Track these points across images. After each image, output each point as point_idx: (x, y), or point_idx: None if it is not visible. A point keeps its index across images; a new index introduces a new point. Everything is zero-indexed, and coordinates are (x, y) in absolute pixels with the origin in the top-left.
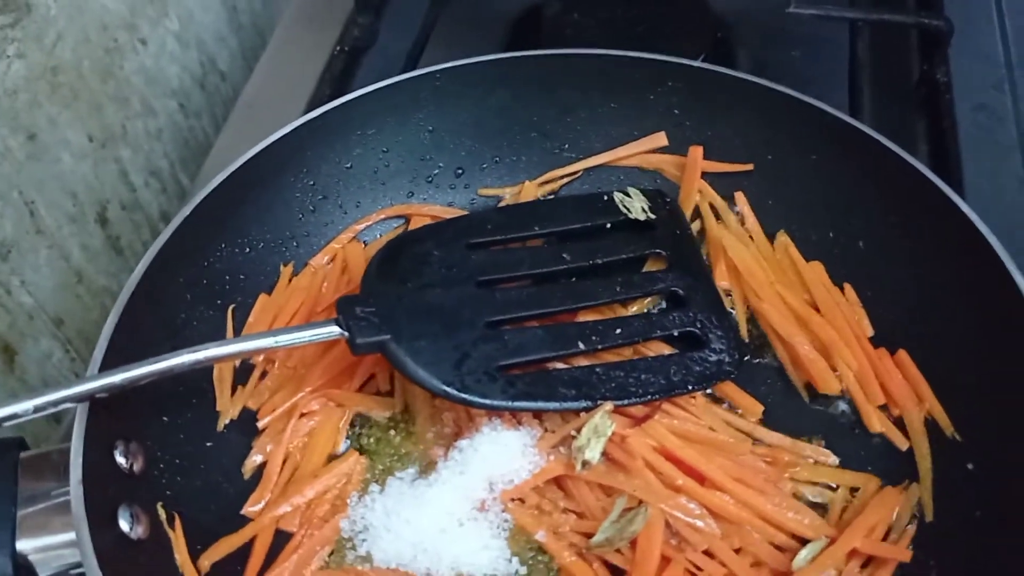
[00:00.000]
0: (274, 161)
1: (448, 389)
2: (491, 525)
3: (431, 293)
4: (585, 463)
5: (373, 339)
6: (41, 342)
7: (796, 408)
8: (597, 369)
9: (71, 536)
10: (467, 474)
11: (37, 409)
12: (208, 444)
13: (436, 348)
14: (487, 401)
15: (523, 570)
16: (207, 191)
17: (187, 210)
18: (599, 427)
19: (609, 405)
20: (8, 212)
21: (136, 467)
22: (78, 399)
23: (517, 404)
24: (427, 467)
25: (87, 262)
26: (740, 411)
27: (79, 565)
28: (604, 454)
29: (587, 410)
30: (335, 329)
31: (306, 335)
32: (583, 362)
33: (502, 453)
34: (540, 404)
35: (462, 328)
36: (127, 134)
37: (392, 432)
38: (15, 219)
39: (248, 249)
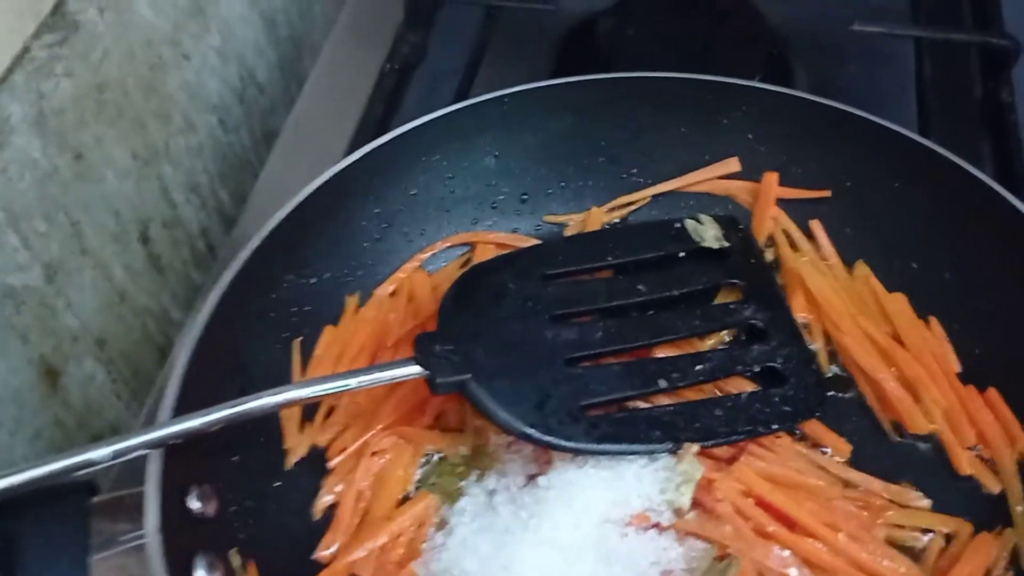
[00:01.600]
0: (341, 189)
1: (532, 432)
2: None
3: (508, 328)
4: (676, 510)
5: (454, 379)
6: (85, 364)
7: (882, 447)
8: (680, 408)
9: None
10: (552, 514)
11: (117, 455)
12: (277, 484)
13: (517, 387)
14: (572, 444)
15: None
16: (276, 221)
17: (256, 242)
18: (688, 471)
19: (695, 447)
20: (55, 233)
21: (209, 511)
22: (154, 445)
23: (603, 447)
24: (506, 505)
25: (129, 281)
26: (827, 451)
27: None
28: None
29: (672, 452)
30: (415, 369)
31: (386, 375)
32: (664, 400)
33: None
34: (625, 447)
35: (542, 365)
36: (169, 151)
37: (462, 469)
38: (61, 240)
39: (314, 280)
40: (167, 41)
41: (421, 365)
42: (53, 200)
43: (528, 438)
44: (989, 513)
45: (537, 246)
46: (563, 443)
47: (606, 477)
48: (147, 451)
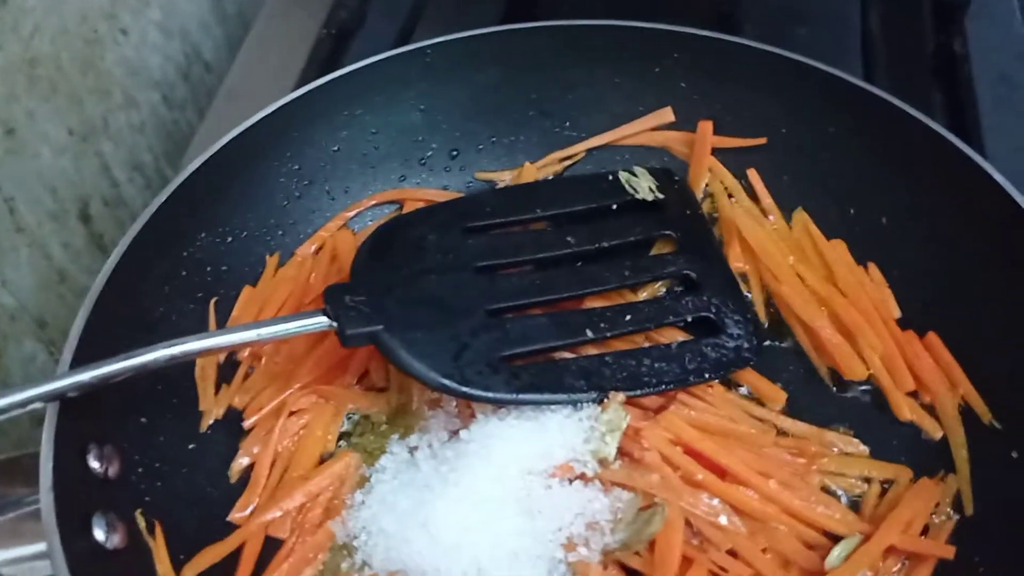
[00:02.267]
0: (256, 144)
1: (447, 382)
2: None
3: (426, 280)
4: (601, 460)
5: (364, 330)
6: (24, 344)
7: (820, 395)
8: (607, 358)
9: (44, 547)
10: (473, 468)
11: (2, 410)
12: (191, 446)
13: (433, 338)
14: (490, 394)
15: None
16: (184, 176)
17: (163, 196)
18: (613, 420)
19: (621, 396)
20: None
21: (111, 471)
22: (47, 398)
23: (522, 397)
24: (427, 460)
25: (69, 261)
26: (761, 400)
27: None
28: (618, 449)
29: (597, 402)
30: (323, 320)
31: (292, 327)
32: (592, 351)
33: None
34: (547, 396)
35: (461, 317)
36: (108, 127)
37: (385, 427)
38: None
39: (230, 238)
40: (103, 15)
41: (329, 316)
42: None
43: (444, 388)
44: (930, 459)
45: (462, 198)
46: (480, 394)
47: (529, 428)
48: (39, 404)
